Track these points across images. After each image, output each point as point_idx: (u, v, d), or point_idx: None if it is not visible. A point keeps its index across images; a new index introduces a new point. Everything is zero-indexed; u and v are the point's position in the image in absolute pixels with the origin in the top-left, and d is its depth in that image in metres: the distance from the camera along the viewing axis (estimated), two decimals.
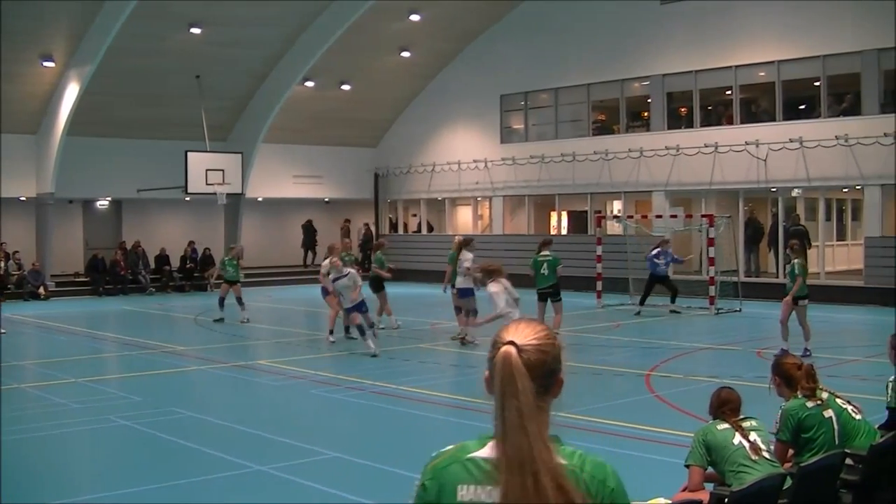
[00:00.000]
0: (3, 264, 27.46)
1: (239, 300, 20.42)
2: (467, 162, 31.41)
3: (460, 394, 12.00)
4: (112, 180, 29.16)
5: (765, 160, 24.08)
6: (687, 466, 5.58)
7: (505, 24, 30.43)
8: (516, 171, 29.96)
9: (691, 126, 26.37)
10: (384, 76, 31.73)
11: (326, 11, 27.49)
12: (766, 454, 5.43)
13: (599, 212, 27.25)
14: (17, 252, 28.10)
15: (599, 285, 23.67)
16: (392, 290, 20.00)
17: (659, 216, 24.22)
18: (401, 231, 34.97)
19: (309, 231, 34.40)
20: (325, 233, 33.25)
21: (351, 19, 27.03)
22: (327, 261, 16.88)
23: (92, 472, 9.07)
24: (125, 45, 24.90)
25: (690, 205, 26.98)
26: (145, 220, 31.98)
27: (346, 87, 31.29)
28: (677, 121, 27.14)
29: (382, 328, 18.20)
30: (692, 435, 5.76)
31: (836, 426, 5.90)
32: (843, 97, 23.97)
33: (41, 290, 27.52)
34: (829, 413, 5.92)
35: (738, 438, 5.44)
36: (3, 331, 18.44)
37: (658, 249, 21.40)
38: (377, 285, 18.58)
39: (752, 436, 5.46)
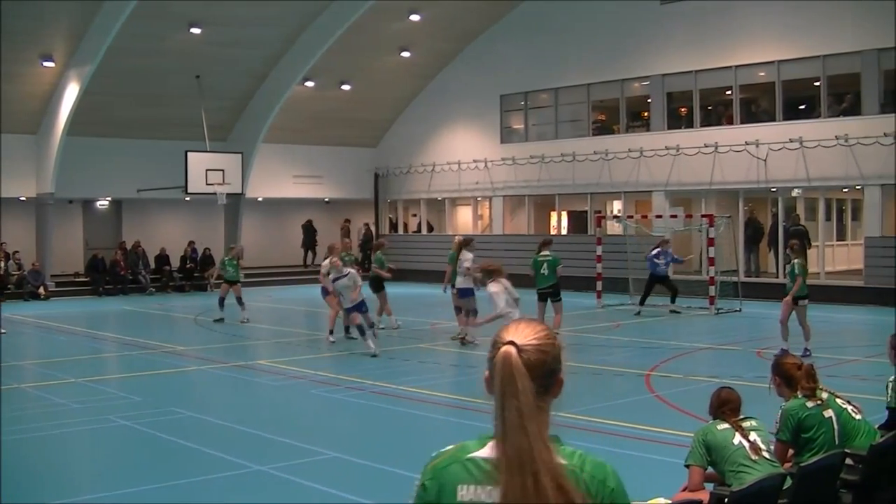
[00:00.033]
0: (3, 264, 27.47)
1: (239, 300, 20.42)
2: (467, 162, 31.41)
3: (460, 394, 12.00)
4: (112, 180, 29.16)
5: (765, 160, 24.08)
6: (687, 466, 5.58)
7: (505, 24, 30.43)
8: (516, 171, 29.96)
9: (691, 126, 26.37)
10: (384, 76, 31.74)
11: (326, 11, 27.49)
12: (766, 454, 5.43)
13: (599, 212, 27.24)
14: (17, 252, 28.11)
15: (599, 285, 23.67)
16: (392, 290, 20.00)
17: (659, 216, 24.22)
18: (401, 231, 34.97)
19: (309, 231, 34.40)
20: (325, 233, 33.25)
21: (351, 19, 27.04)
22: (327, 260, 16.89)
23: (92, 472, 9.07)
24: (125, 45, 24.90)
25: (690, 205, 26.97)
26: (145, 220, 31.98)
27: (346, 87, 31.29)
28: (677, 121, 27.13)
29: (382, 328, 18.20)
30: (692, 435, 5.76)
31: (836, 426, 5.90)
32: (843, 97, 23.97)
33: (41, 290, 27.52)
34: (829, 413, 5.92)
35: (738, 438, 5.44)
36: (3, 331, 18.44)
37: (658, 249, 21.40)
38: (377, 285, 18.58)
39: (752, 436, 5.46)
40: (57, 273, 28.96)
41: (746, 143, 24.31)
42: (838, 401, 6.11)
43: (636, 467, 8.16)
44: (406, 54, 30.58)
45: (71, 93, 26.37)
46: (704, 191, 25.75)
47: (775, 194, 25.15)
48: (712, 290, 21.66)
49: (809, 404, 5.90)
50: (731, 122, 25.52)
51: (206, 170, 27.57)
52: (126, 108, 28.10)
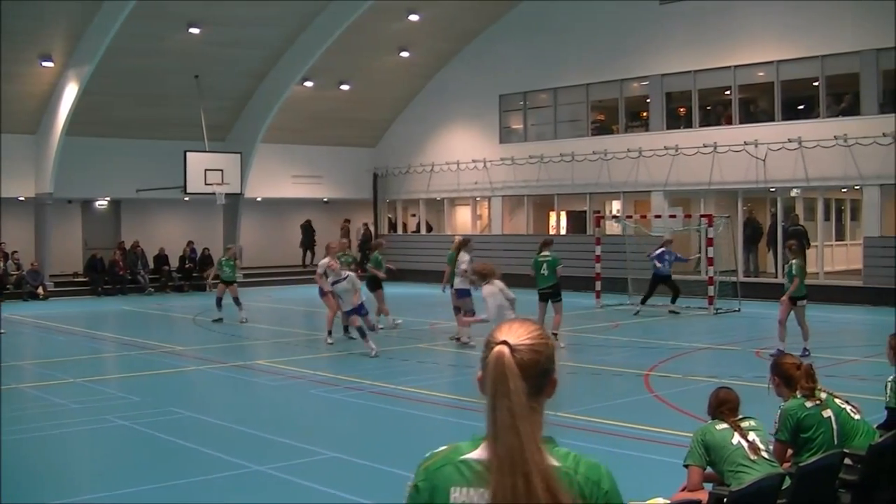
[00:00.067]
0: (2, 264, 27.49)
1: (235, 300, 20.42)
2: (466, 162, 31.41)
3: (459, 394, 12.00)
4: (111, 180, 29.16)
5: (764, 160, 24.09)
6: (686, 466, 5.58)
7: (504, 24, 30.43)
8: (515, 171, 29.96)
9: (690, 126, 26.38)
10: (383, 76, 31.74)
11: (325, 11, 27.48)
12: (764, 454, 5.43)
13: (598, 212, 27.25)
14: (15, 252, 28.10)
15: (598, 285, 23.67)
16: (391, 290, 20.00)
17: (658, 216, 24.22)
18: (400, 231, 34.97)
19: (308, 231, 34.40)
20: (324, 233, 33.23)
21: (350, 19, 27.03)
22: (325, 260, 16.91)
23: (91, 472, 9.07)
24: (124, 45, 24.90)
25: (689, 205, 26.97)
26: (144, 220, 31.97)
27: (345, 87, 31.29)
28: (676, 121, 27.14)
29: (382, 328, 18.19)
30: (691, 435, 5.76)
31: (834, 426, 5.90)
32: (842, 97, 23.99)
33: (40, 290, 27.51)
34: (827, 413, 5.92)
35: (736, 438, 5.44)
36: (2, 331, 18.43)
37: (662, 249, 21.36)
38: (373, 285, 18.64)
39: (751, 436, 5.46)
40: (56, 273, 28.95)
41: (745, 143, 24.32)
42: (837, 401, 6.12)
43: (635, 467, 8.17)
44: (405, 54, 30.58)
45: (70, 93, 26.36)
46: (703, 191, 25.76)
47: (774, 194, 25.16)
48: (711, 290, 21.67)
49: (808, 404, 5.90)
50: (730, 122, 25.52)
51: (205, 170, 27.57)
52: (125, 108, 28.10)
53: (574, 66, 28.49)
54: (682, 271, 24.69)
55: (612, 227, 26.39)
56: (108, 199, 31.41)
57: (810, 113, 24.48)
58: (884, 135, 21.91)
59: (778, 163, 23.86)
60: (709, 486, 5.52)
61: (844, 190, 25.75)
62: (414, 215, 35.08)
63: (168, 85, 27.90)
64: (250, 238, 32.91)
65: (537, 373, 2.28)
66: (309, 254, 33.94)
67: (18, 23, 23.80)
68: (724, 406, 5.67)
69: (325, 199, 34.95)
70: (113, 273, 29.31)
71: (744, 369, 13.21)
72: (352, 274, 15.78)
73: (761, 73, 25.21)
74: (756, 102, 26.01)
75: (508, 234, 30.61)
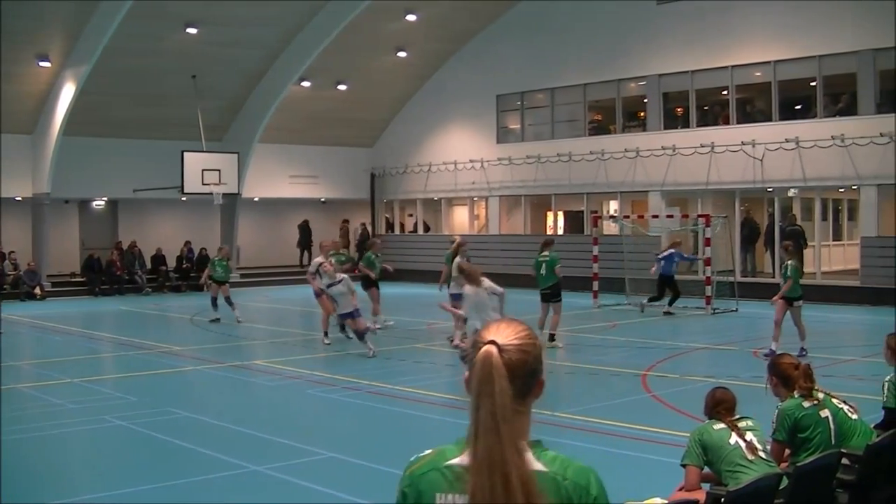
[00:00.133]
0: None
1: (227, 300, 20.39)
2: (464, 162, 31.41)
3: (456, 394, 11.98)
4: (108, 180, 29.13)
5: (761, 160, 24.10)
6: (683, 466, 5.58)
7: (501, 24, 30.43)
8: (512, 171, 29.97)
9: (688, 126, 26.39)
10: (380, 76, 31.73)
11: (323, 11, 27.47)
12: (762, 454, 5.43)
13: (596, 212, 27.27)
14: (13, 252, 28.08)
15: (596, 285, 23.66)
16: (388, 290, 20.02)
17: (655, 216, 24.22)
18: (397, 231, 34.97)
19: (305, 231, 34.38)
20: (322, 233, 33.13)
21: (347, 19, 27.00)
22: (318, 259, 16.94)
23: (90, 472, 9.06)
24: (121, 45, 24.88)
25: (687, 205, 26.97)
26: (141, 220, 31.95)
27: (342, 87, 31.27)
28: (674, 121, 27.15)
29: (380, 328, 18.18)
30: (688, 435, 5.76)
31: (832, 426, 5.90)
32: (840, 97, 24.01)
33: (37, 291, 27.49)
34: (825, 413, 5.92)
35: (734, 438, 5.45)
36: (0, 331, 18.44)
37: (671, 251, 21.28)
38: (366, 284, 18.73)
39: (749, 435, 5.46)
40: (53, 273, 28.92)
41: (743, 143, 24.33)
42: (834, 401, 6.12)
43: (633, 467, 8.18)
44: (402, 54, 30.57)
45: (67, 93, 26.33)
46: (701, 191, 25.77)
47: (771, 194, 25.18)
48: (709, 290, 21.68)
49: (806, 404, 5.91)
50: (727, 122, 25.53)
51: (203, 170, 27.55)
52: (122, 108, 28.07)
53: (571, 66, 28.49)
54: (681, 271, 24.70)
55: (610, 228, 26.38)
56: (105, 199, 31.38)
57: (807, 113, 24.51)
58: (881, 135, 21.94)
59: (775, 163, 23.88)
60: (706, 486, 5.52)
61: (842, 190, 25.78)
62: (411, 215, 35.08)
63: (165, 85, 27.88)
64: (248, 238, 32.91)
65: (525, 373, 2.26)
66: (306, 254, 33.89)
67: (16, 22, 23.77)
68: (721, 406, 5.68)
69: (323, 199, 34.94)
70: (110, 273, 29.30)
71: (741, 369, 13.22)
72: (346, 276, 15.77)
73: (758, 73, 25.22)
74: (753, 102, 26.03)
75: (506, 234, 30.61)
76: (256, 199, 32.69)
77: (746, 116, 25.52)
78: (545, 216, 31.34)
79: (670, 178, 26.07)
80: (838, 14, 22.98)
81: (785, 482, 5.26)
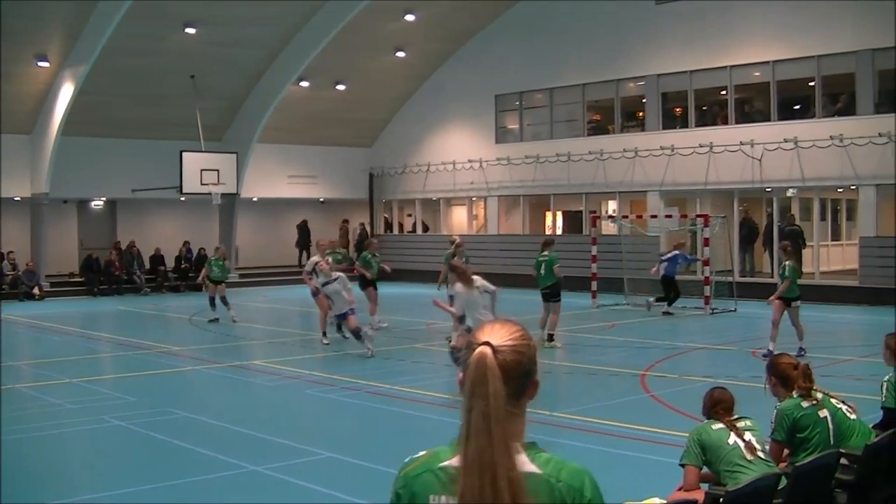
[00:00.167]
0: None
1: (223, 300, 20.37)
2: (462, 162, 31.41)
3: (455, 394, 11.96)
4: (107, 180, 29.12)
5: (759, 160, 24.11)
6: (682, 466, 5.58)
7: (500, 24, 30.43)
8: (511, 171, 29.97)
9: (686, 126, 26.40)
10: (379, 76, 31.73)
11: (321, 11, 27.47)
12: (761, 454, 5.43)
13: (594, 212, 27.28)
14: (11, 252, 28.06)
15: (594, 285, 23.67)
16: (387, 290, 20.03)
17: (654, 216, 24.22)
18: (396, 231, 34.98)
19: (304, 231, 34.37)
20: (321, 233, 33.06)
21: (346, 19, 27.00)
22: (314, 258, 16.95)
23: (89, 472, 9.06)
24: (120, 45, 24.87)
25: (685, 205, 27.00)
26: (140, 220, 31.93)
27: (341, 87, 31.27)
28: (672, 121, 27.16)
29: (376, 331, 18.16)
30: (687, 435, 5.76)
31: (831, 426, 5.90)
32: (838, 97, 24.02)
33: (36, 291, 27.48)
34: (824, 413, 5.92)
35: (733, 438, 5.45)
36: None
37: (676, 252, 21.29)
38: (363, 284, 18.74)
39: (747, 435, 5.46)
40: (52, 273, 28.90)
41: (741, 143, 24.34)
42: (833, 401, 6.12)
43: (631, 467, 8.18)
44: (401, 54, 30.57)
45: (66, 93, 26.32)
46: (699, 191, 25.79)
47: (770, 194, 25.19)
48: (707, 290, 21.69)
49: (805, 404, 5.91)
50: (725, 123, 25.55)
51: (201, 170, 27.56)
52: (121, 108, 28.06)
53: (570, 66, 28.50)
54: (680, 271, 24.71)
55: (608, 227, 26.39)
56: (104, 199, 31.36)
57: (806, 113, 24.52)
58: (879, 135, 21.95)
59: (774, 163, 23.89)
60: (705, 486, 5.53)
61: (840, 190, 25.79)
62: (410, 215, 35.09)
63: (164, 85, 27.87)
64: (246, 238, 32.90)
65: (520, 374, 2.25)
66: (305, 254, 33.86)
67: (14, 22, 23.76)
68: (719, 406, 5.68)
69: (322, 199, 34.94)
70: (109, 273, 29.28)
71: (740, 369, 13.23)
72: (342, 275, 15.78)
73: (757, 74, 25.23)
74: (752, 102, 26.04)
75: (504, 234, 30.62)
76: (255, 199, 32.68)
77: (745, 116, 25.54)
78: (544, 216, 31.35)
79: (669, 178, 26.08)
80: (837, 14, 23.00)
81: (784, 482, 5.27)
